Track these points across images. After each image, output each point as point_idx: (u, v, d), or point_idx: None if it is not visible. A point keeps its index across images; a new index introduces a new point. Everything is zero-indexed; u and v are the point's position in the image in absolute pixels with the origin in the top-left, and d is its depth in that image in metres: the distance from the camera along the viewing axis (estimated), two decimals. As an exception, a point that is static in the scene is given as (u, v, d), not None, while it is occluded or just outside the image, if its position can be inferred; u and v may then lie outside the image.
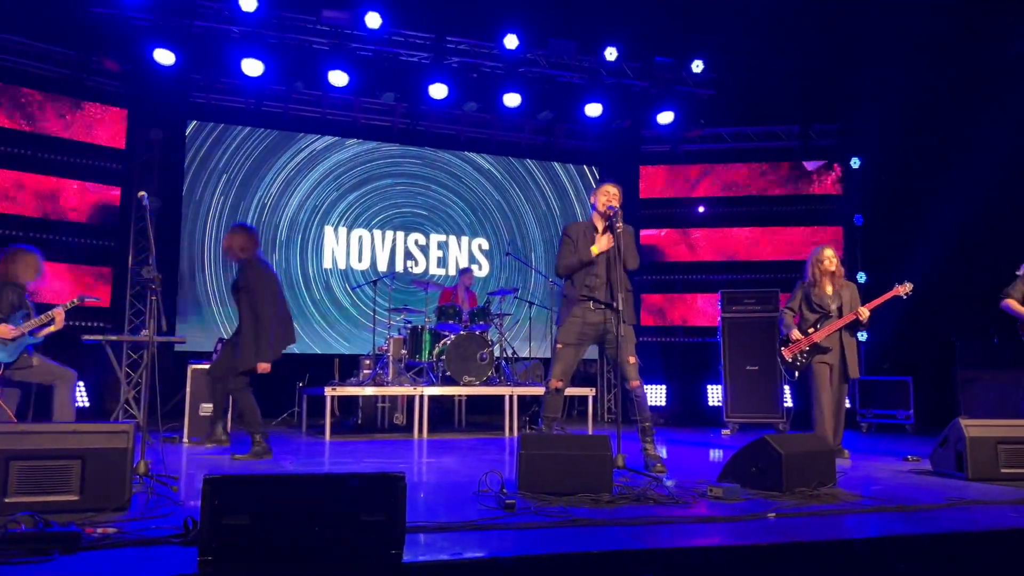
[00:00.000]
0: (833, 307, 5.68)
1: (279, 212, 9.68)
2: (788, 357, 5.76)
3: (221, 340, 7.30)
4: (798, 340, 5.69)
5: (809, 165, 10.47)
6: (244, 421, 5.43)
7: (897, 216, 9.60)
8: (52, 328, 5.40)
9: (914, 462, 5.37)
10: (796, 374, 5.78)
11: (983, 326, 7.83)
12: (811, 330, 5.69)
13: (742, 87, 10.33)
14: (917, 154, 9.29)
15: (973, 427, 4.46)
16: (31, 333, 5.30)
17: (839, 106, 10.25)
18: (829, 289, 5.74)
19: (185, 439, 6.50)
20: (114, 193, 8.97)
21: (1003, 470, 4.35)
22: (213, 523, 2.36)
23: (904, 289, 5.61)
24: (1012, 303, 5.24)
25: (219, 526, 2.36)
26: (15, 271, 5.38)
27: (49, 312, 5.33)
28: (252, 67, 8.70)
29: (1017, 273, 5.35)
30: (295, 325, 5.77)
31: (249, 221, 9.48)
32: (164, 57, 8.50)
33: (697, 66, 9.96)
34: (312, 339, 9.57)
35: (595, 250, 4.89)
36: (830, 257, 5.78)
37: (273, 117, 9.92)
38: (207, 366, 6.52)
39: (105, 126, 9.02)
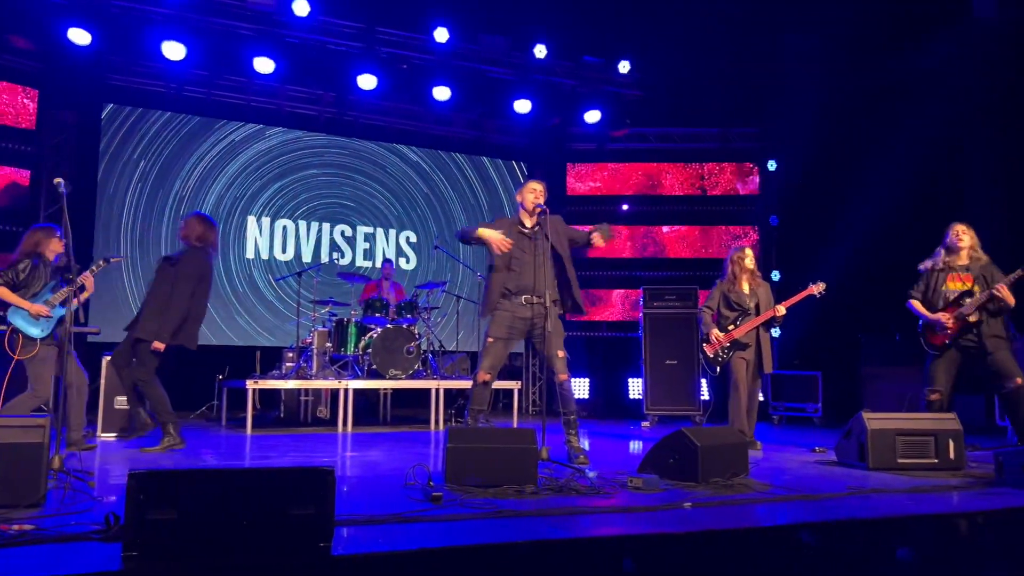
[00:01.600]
0: (751, 305, 5.96)
1: (200, 199, 9.44)
2: (710, 354, 6.00)
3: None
4: (719, 338, 5.93)
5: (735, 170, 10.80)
6: (155, 411, 5.41)
7: (810, 218, 10.01)
8: (85, 294, 5.42)
9: (821, 453, 5.65)
10: (718, 369, 6.02)
11: (887, 324, 8.26)
12: (731, 327, 5.94)
13: (667, 89, 10.58)
14: (830, 158, 9.71)
15: (874, 420, 4.73)
16: (62, 304, 5.16)
17: (758, 111, 10.61)
18: (747, 288, 6.01)
19: (99, 433, 6.30)
20: (23, 175, 8.59)
21: (900, 460, 4.63)
22: (137, 518, 2.34)
23: (817, 288, 5.89)
24: (916, 304, 5.54)
25: (144, 521, 2.34)
26: (47, 247, 5.28)
27: (77, 280, 4.97)
28: (174, 50, 8.45)
29: (921, 268, 5.61)
30: (201, 327, 5.68)
31: (168, 208, 9.22)
32: (79, 37, 8.17)
33: (624, 67, 10.16)
34: (233, 331, 9.38)
35: (483, 232, 4.93)
36: (749, 256, 6.06)
37: (195, 103, 9.66)
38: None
39: (14, 106, 8.63)
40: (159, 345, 5.31)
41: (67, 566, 2.34)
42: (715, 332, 5.95)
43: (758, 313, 5.93)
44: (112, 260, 5.58)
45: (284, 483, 2.48)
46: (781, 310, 5.83)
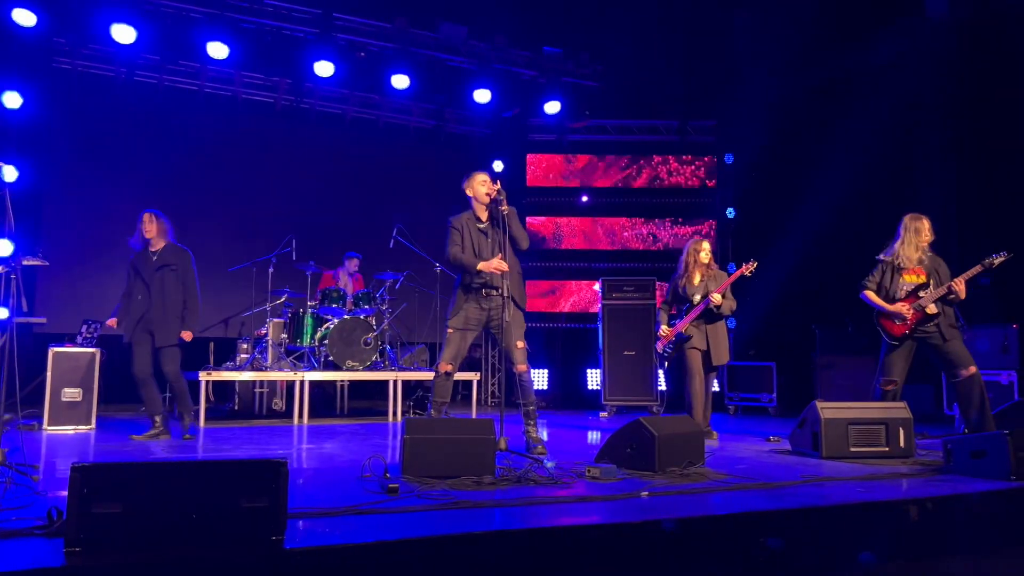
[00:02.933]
0: (696, 298, 5.98)
1: (152, 186, 9.19)
2: (659, 349, 6.09)
3: (87, 321, 6.91)
4: (666, 333, 6.02)
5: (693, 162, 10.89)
6: (181, 403, 5.74)
7: (767, 210, 10.14)
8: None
9: (775, 442, 5.73)
10: (667, 364, 6.10)
11: (840, 315, 8.41)
12: (676, 321, 6.02)
13: (626, 81, 10.63)
14: (786, 151, 9.84)
15: (827, 409, 4.80)
16: None
17: (716, 104, 10.71)
18: (696, 280, 6.04)
19: (46, 426, 6.13)
20: (-36, 161, 8.29)
21: (852, 449, 4.71)
22: (81, 512, 2.26)
23: (748, 268, 5.97)
24: (870, 294, 5.60)
25: (88, 515, 2.26)
26: None
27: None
28: (123, 33, 8.19)
29: (879, 257, 5.68)
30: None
31: (119, 195, 8.96)
32: (24, 18, 7.88)
33: (584, 59, 10.17)
34: (186, 321, 9.17)
35: (482, 266, 4.92)
36: (706, 249, 6.09)
37: (147, 88, 9.42)
38: (71, 349, 6.20)
39: (-46, 88, 8.31)
40: (189, 333, 5.73)
41: (6, 563, 2.25)
42: (662, 328, 6.08)
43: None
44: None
45: (235, 475, 2.43)
46: (716, 298, 5.85)
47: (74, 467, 2.29)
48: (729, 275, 6.14)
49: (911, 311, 5.34)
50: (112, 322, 5.86)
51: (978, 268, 5.20)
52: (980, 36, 8.30)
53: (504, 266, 4.88)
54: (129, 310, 5.71)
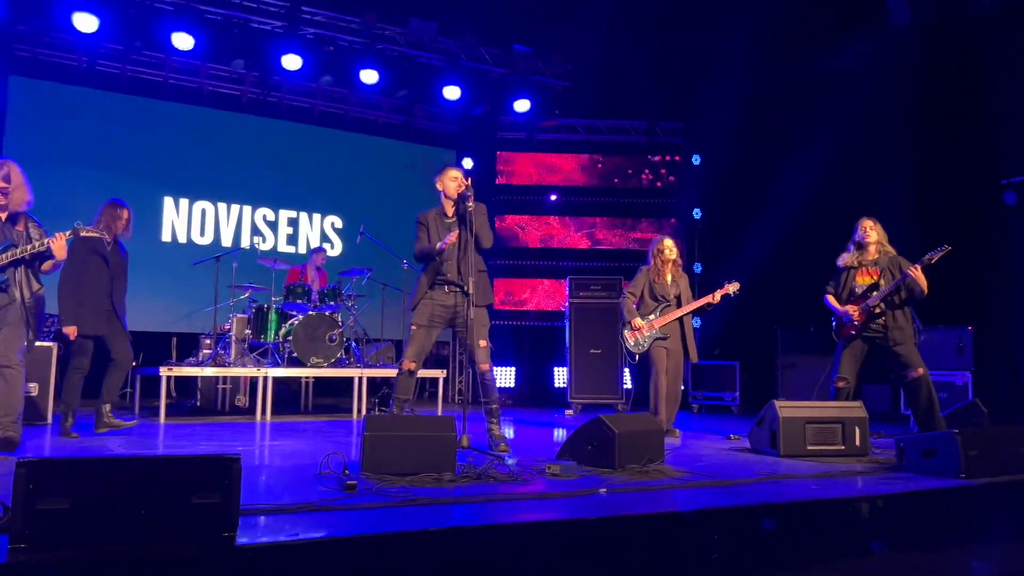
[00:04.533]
0: (672, 296, 6.05)
1: (115, 178, 9.03)
2: (631, 340, 6.06)
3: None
4: (640, 327, 6.00)
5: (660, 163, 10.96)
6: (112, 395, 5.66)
7: (732, 211, 10.25)
8: (49, 264, 4.52)
9: (736, 440, 5.79)
10: (637, 357, 6.09)
11: (802, 315, 8.51)
12: (651, 316, 6.01)
13: (596, 81, 10.67)
14: (751, 154, 9.94)
15: (785, 408, 4.86)
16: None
17: (684, 106, 10.79)
18: (669, 279, 6.09)
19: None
20: (-81, 150, 8.11)
21: (809, 447, 4.77)
22: (26, 508, 2.22)
23: (734, 287, 6.04)
24: (830, 299, 5.73)
25: (33, 511, 2.22)
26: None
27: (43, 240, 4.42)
28: (85, 22, 8.05)
29: (838, 266, 5.80)
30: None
31: (78, 185, 8.80)
32: (-18, 4, 7.73)
33: (554, 58, 10.19)
34: (147, 316, 9.04)
35: (439, 246, 4.92)
36: (670, 247, 6.14)
37: (109, 78, 9.27)
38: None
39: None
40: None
41: (-53, 560, 2.21)
42: (637, 320, 6.01)
43: (679, 305, 6.03)
44: (83, 232, 4.80)
45: (186, 471, 2.40)
46: (717, 297, 5.97)
47: (19, 463, 2.24)
48: (692, 275, 6.22)
49: (858, 313, 5.47)
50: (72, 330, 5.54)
51: (930, 256, 5.31)
52: (941, 42, 8.45)
53: (454, 237, 4.89)
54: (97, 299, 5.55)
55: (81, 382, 5.62)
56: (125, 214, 5.63)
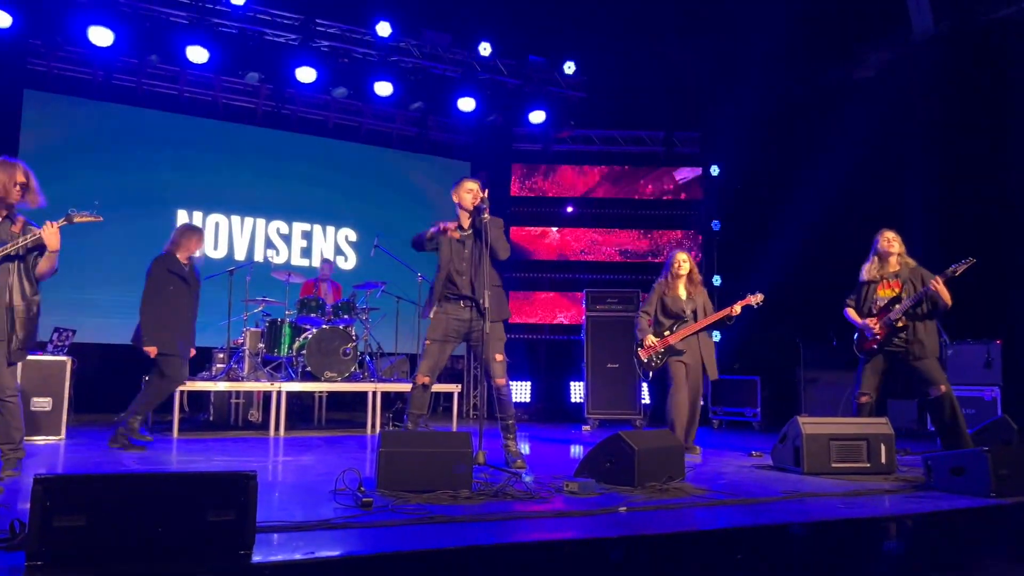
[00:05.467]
0: (688, 311, 5.97)
1: (129, 192, 9.13)
2: (644, 358, 6.01)
3: (58, 329, 6.86)
4: (652, 345, 5.94)
5: (678, 174, 10.96)
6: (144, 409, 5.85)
7: (752, 222, 10.21)
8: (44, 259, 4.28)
9: (758, 457, 5.75)
10: (650, 375, 6.04)
11: (824, 329, 8.46)
12: (667, 333, 5.94)
13: (612, 91, 10.70)
14: (772, 164, 9.92)
15: (809, 424, 4.83)
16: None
17: (702, 115, 10.78)
18: (683, 293, 6.03)
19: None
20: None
21: (834, 464, 4.73)
22: (43, 525, 2.24)
23: (756, 299, 5.93)
24: (850, 312, 5.69)
25: (50, 528, 2.24)
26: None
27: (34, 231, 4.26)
28: (100, 36, 8.17)
29: (860, 279, 5.75)
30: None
31: (95, 200, 8.88)
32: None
33: (569, 67, 10.24)
34: (161, 330, 9.10)
35: (455, 233, 4.98)
36: (682, 261, 6.07)
37: (125, 92, 9.38)
38: (41, 357, 6.15)
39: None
40: None
41: (-36, 577, 2.23)
42: (650, 338, 5.95)
43: (695, 320, 5.98)
44: (77, 218, 4.57)
45: (202, 488, 2.41)
46: (737, 309, 5.88)
47: (36, 479, 2.26)
48: (712, 288, 6.17)
49: (879, 326, 5.42)
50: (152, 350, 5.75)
51: (954, 269, 5.26)
52: (965, 50, 8.42)
53: (452, 224, 5.01)
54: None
55: (153, 398, 5.88)
56: (199, 237, 5.98)
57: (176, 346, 5.74)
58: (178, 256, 5.81)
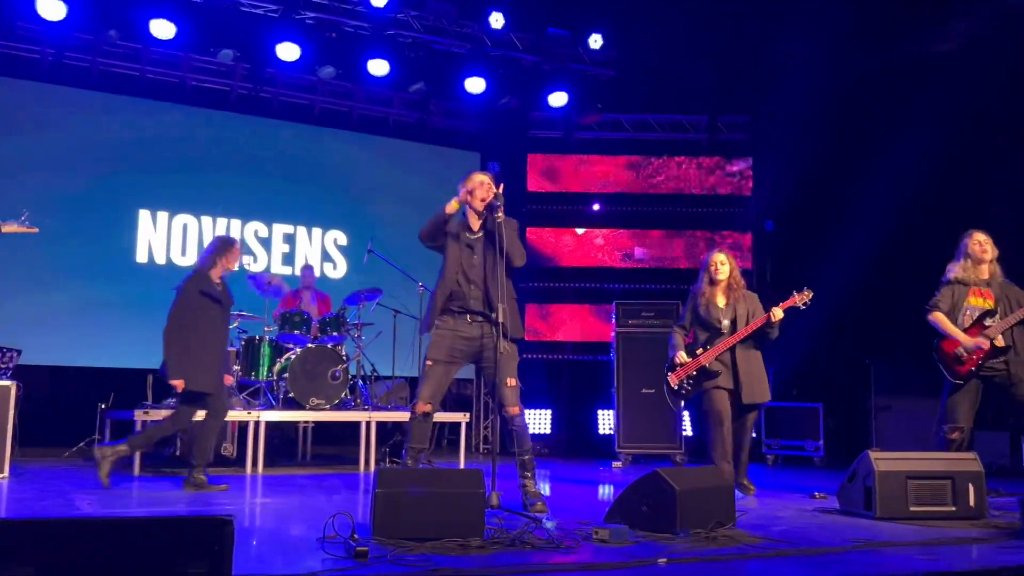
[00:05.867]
0: (725, 322, 5.85)
1: (82, 189, 9.20)
2: (674, 384, 5.91)
3: (1, 349, 6.90)
4: (684, 364, 5.85)
5: (724, 165, 10.94)
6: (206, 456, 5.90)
7: (811, 222, 10.15)
8: None
9: (821, 499, 5.71)
10: (683, 403, 5.98)
11: (900, 348, 8.39)
12: (699, 351, 5.86)
13: (646, 69, 10.67)
14: (833, 154, 9.86)
15: (882, 460, 4.79)
16: None
17: (752, 96, 10.75)
18: (721, 301, 5.93)
19: None
20: None
21: (912, 508, 4.69)
22: (-15, 578, 2.25)
23: (802, 298, 5.73)
24: (939, 317, 5.53)
25: (-8, 582, 2.25)
26: None
27: None
28: (51, 9, 8.24)
29: (945, 279, 5.64)
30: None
31: (41, 196, 8.98)
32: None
33: (595, 41, 10.22)
34: (119, 350, 9.16)
35: (454, 204, 4.96)
36: (720, 262, 5.96)
37: (78, 73, 9.46)
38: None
39: None
40: None
41: None
42: (680, 355, 5.88)
43: (735, 332, 5.85)
44: (4, 228, 4.94)
45: (169, 535, 2.41)
46: (778, 313, 5.65)
47: (-23, 524, 2.28)
48: (759, 298, 6.05)
49: (981, 343, 5.32)
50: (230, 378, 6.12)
51: None
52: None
53: (485, 191, 4.93)
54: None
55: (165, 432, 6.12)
56: (237, 250, 6.08)
57: (214, 380, 5.85)
58: (211, 274, 5.93)
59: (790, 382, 9.65)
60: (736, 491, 4.95)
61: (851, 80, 9.85)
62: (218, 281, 5.95)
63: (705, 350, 5.83)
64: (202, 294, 5.82)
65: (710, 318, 5.88)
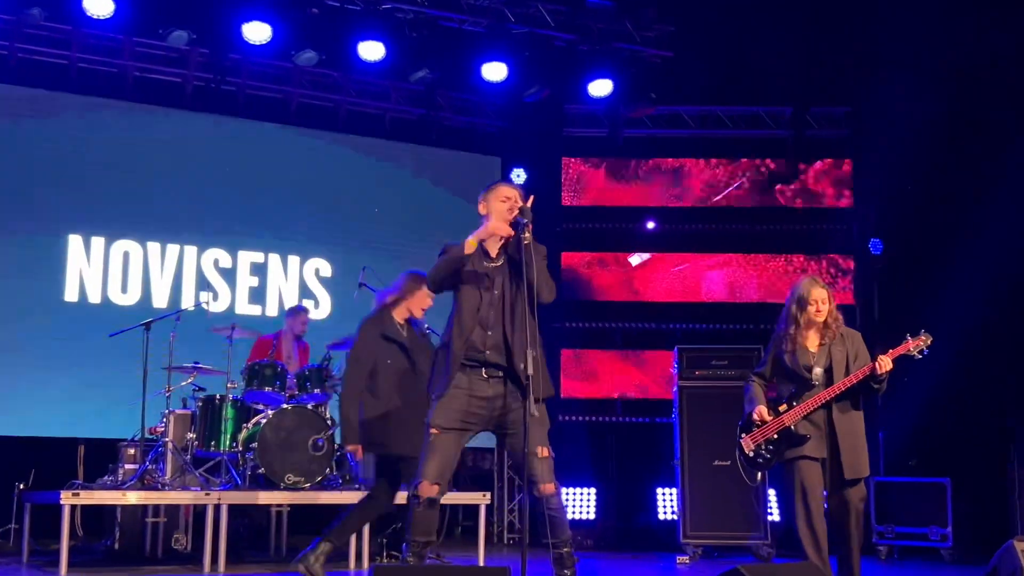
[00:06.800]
0: (817, 370, 5.72)
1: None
2: (748, 450, 5.79)
3: None
4: (764, 424, 5.74)
5: (815, 169, 10.89)
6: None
7: (928, 243, 10.09)
8: None
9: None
10: (758, 476, 5.87)
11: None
12: (783, 407, 5.73)
13: (713, 49, 10.67)
14: (956, 156, 9.80)
15: (1035, 553, 4.69)
16: None
17: (851, 84, 10.72)
18: (813, 344, 5.80)
19: None
20: None
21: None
22: None
23: (918, 344, 5.58)
24: None
25: None
26: None
27: None
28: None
29: None
30: None
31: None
32: None
33: (647, 16, 10.24)
34: (42, 413, 9.19)
35: (472, 242, 4.86)
36: (820, 300, 5.83)
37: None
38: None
39: None
40: None
41: None
42: (759, 410, 5.75)
43: (832, 384, 5.76)
44: None
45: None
46: (886, 362, 5.53)
47: None
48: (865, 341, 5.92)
49: None
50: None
51: None
52: None
53: (507, 229, 4.83)
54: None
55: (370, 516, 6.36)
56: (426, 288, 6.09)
57: (405, 442, 5.90)
58: (395, 315, 6.07)
59: (907, 451, 9.54)
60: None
61: (980, 61, 9.78)
62: (402, 323, 6.14)
63: (791, 407, 5.71)
64: (384, 338, 6.01)
65: (797, 366, 5.75)
